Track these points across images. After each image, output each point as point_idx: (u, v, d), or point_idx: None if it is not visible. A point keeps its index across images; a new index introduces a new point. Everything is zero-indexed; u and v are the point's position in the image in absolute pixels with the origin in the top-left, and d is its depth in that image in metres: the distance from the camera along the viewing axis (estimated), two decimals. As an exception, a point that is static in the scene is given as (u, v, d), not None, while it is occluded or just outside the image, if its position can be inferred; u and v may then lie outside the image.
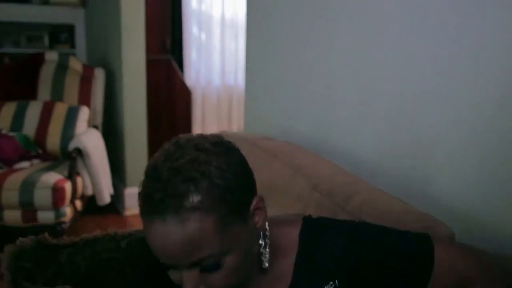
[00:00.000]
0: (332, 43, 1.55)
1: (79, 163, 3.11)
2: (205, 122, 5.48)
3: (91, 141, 3.24)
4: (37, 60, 3.67)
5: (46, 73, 3.61)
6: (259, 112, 2.01)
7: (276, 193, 1.38)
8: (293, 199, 1.32)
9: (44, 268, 1.38)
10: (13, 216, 2.82)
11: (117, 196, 3.65)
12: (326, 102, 1.59)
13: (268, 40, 1.91)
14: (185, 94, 3.96)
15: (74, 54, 4.36)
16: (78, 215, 3.11)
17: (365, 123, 1.46)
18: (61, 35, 4.50)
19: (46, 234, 1.43)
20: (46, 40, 4.37)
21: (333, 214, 1.17)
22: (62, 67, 3.64)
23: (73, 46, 4.48)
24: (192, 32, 5.31)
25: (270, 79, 1.91)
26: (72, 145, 3.12)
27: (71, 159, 3.02)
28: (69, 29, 4.48)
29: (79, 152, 3.09)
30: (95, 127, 3.51)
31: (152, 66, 3.72)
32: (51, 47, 4.39)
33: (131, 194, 3.57)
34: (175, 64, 3.93)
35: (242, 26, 5.55)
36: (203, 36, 5.39)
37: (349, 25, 1.47)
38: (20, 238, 1.38)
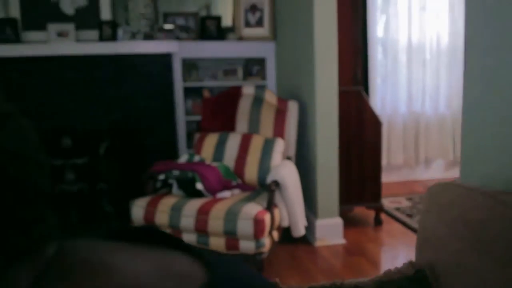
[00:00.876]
0: None
1: (276, 195, 3.22)
2: (390, 151, 5.36)
3: (287, 173, 3.33)
4: (236, 94, 3.91)
5: (244, 106, 3.82)
6: (480, 156, 1.86)
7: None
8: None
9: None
10: (217, 243, 3.00)
11: (308, 227, 3.70)
12: None
13: (495, 68, 1.70)
14: (375, 125, 3.90)
15: (265, 86, 4.58)
16: (274, 246, 3.21)
17: None
18: (253, 67, 4.75)
19: (278, 279, 1.51)
20: (240, 73, 4.66)
21: None
22: (258, 100, 3.82)
23: (264, 77, 4.70)
24: (377, 59, 5.26)
25: (499, 118, 1.72)
26: (270, 178, 3.25)
27: (269, 191, 3.13)
28: (260, 62, 4.71)
29: (277, 184, 3.20)
30: (289, 158, 3.61)
31: (342, 97, 3.73)
32: (244, 79, 4.66)
33: (322, 225, 3.59)
34: (365, 95, 3.89)
35: (430, 51, 5.35)
36: (389, 63, 5.31)
37: None
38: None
